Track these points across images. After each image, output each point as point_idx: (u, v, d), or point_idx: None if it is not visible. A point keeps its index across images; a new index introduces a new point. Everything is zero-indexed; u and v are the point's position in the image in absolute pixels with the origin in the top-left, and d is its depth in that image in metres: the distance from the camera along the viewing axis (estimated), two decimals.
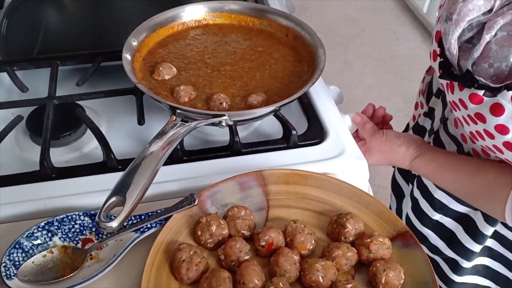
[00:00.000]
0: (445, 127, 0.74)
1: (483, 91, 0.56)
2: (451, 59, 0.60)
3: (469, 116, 0.60)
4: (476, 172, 0.66)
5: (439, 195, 0.77)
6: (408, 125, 0.98)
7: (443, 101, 0.76)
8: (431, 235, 0.81)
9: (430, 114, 0.81)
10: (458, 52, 0.59)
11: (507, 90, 0.54)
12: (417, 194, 0.81)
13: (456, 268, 0.78)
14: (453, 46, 0.58)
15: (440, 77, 0.62)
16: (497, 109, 0.56)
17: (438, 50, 0.63)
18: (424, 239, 0.81)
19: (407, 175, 0.88)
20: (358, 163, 0.71)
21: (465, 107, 0.60)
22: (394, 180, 0.93)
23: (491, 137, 0.58)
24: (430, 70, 0.88)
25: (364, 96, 2.16)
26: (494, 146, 0.60)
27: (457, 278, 0.79)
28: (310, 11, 2.64)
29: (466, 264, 0.77)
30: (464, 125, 0.63)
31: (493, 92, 0.55)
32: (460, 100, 0.60)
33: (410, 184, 0.85)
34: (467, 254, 0.76)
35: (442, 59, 0.62)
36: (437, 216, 0.79)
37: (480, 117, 0.58)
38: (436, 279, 0.54)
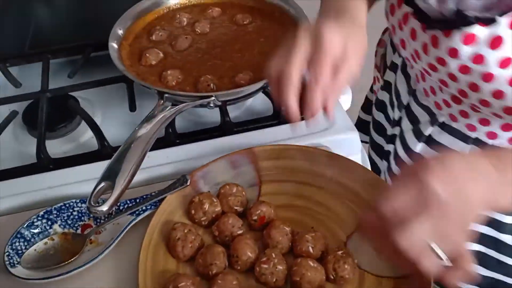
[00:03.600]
0: (416, 99, 0.71)
1: (477, 26, 0.53)
2: (428, 7, 0.56)
3: (459, 67, 0.56)
4: None
5: None
6: (366, 98, 0.96)
7: (404, 73, 0.74)
8: None
9: (386, 87, 0.79)
10: None
11: (501, 16, 0.51)
12: (395, 170, 0.78)
13: None
14: None
15: (427, 28, 0.58)
16: (496, 42, 0.53)
17: (397, 4, 0.62)
18: None
19: (381, 151, 0.85)
20: (349, 134, 0.71)
21: (444, 64, 0.57)
22: (369, 157, 0.89)
23: (490, 79, 0.55)
24: (381, 43, 0.85)
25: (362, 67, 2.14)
26: (493, 92, 0.56)
27: None
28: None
29: None
30: (450, 83, 0.60)
31: (487, 24, 0.52)
32: (439, 59, 0.58)
33: (384, 160, 0.82)
34: None
35: (416, 13, 0.59)
36: None
37: (478, 59, 0.55)
38: None
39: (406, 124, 0.74)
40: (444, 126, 0.69)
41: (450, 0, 0.54)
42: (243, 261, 0.55)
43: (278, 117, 0.73)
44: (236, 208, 0.60)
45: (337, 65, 0.52)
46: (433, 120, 0.69)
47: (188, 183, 0.61)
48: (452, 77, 0.59)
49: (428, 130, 0.70)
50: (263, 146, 0.66)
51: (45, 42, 0.88)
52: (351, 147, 0.71)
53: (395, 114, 0.77)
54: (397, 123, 0.77)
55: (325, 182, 0.63)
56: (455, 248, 0.42)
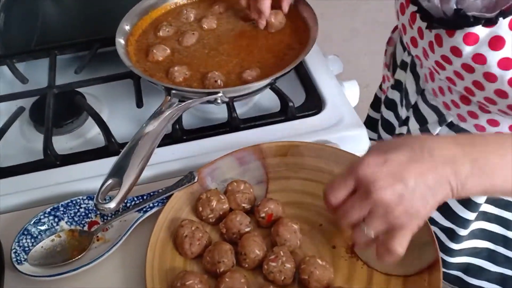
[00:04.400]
0: (424, 98, 0.71)
1: (479, 26, 0.53)
2: (431, 6, 0.57)
3: (463, 65, 0.57)
4: None
5: None
6: (376, 96, 0.96)
7: (413, 72, 0.73)
8: None
9: (397, 86, 0.79)
10: None
11: (503, 18, 0.51)
12: None
13: (453, 236, 0.77)
14: None
15: (428, 27, 0.59)
16: (497, 42, 0.53)
17: (405, 3, 0.62)
18: None
19: None
20: (357, 131, 0.71)
21: (450, 63, 0.58)
22: None
23: (494, 79, 0.55)
24: (390, 41, 0.85)
25: (372, 63, 2.12)
26: (497, 91, 0.56)
27: (456, 246, 0.78)
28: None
29: (463, 232, 0.75)
30: (457, 81, 0.60)
31: (489, 25, 0.52)
32: (444, 57, 0.58)
33: None
34: (463, 222, 0.74)
35: (420, 12, 0.59)
36: None
37: (479, 59, 0.55)
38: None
39: (414, 124, 0.74)
40: (452, 126, 0.68)
41: (452, 0, 0.54)
42: (251, 259, 0.54)
43: (286, 113, 0.72)
44: (243, 205, 0.60)
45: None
46: (441, 120, 0.68)
47: (195, 180, 0.61)
48: (458, 75, 0.59)
49: (436, 130, 0.69)
50: (271, 142, 0.66)
51: (52, 38, 0.88)
52: (359, 144, 0.71)
53: (402, 113, 0.77)
54: (404, 122, 0.76)
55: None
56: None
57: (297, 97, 0.75)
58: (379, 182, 0.44)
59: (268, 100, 0.78)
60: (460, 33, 0.55)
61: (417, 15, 0.60)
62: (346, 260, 0.56)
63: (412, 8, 0.61)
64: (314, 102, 0.74)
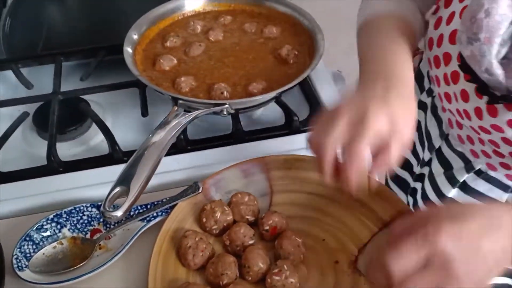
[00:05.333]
0: (449, 143, 0.67)
1: None
2: (492, 80, 0.53)
3: (493, 125, 0.54)
4: None
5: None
6: None
7: (435, 115, 0.70)
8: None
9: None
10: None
11: None
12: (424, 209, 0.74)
13: None
14: (495, 65, 0.51)
15: (489, 102, 0.54)
16: None
17: (443, 58, 0.58)
18: None
19: (404, 185, 0.80)
20: None
21: (502, 131, 0.54)
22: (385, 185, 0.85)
23: None
24: None
25: None
26: None
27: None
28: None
29: None
30: (502, 146, 0.56)
31: None
32: (495, 126, 0.54)
33: (410, 196, 0.79)
34: None
35: (476, 83, 0.55)
36: None
37: None
38: None
39: (437, 168, 0.70)
40: (480, 173, 0.65)
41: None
42: (254, 272, 0.54)
43: (290, 127, 0.72)
44: (247, 217, 0.60)
45: (386, 141, 0.49)
46: (469, 167, 0.65)
47: (200, 190, 0.61)
48: (508, 141, 0.56)
49: (463, 177, 0.66)
50: (276, 155, 0.66)
51: (57, 44, 0.88)
52: None
53: (424, 155, 0.73)
54: (426, 163, 0.73)
55: (337, 194, 0.63)
56: None
57: (301, 111, 0.75)
58: (461, 266, 0.42)
59: (272, 113, 0.78)
60: None
61: (461, 74, 0.56)
62: (349, 276, 0.56)
63: (456, 68, 0.57)
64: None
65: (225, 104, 0.65)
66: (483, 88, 0.54)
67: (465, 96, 0.57)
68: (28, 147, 0.74)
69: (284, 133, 0.73)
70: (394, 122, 0.49)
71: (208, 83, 0.72)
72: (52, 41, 0.90)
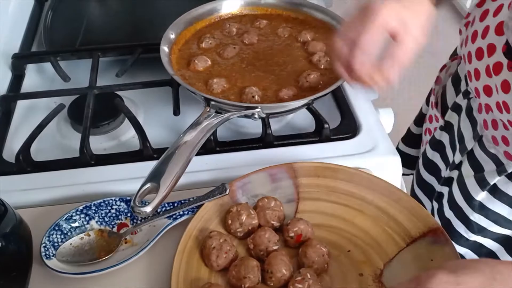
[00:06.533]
0: (481, 145, 0.67)
1: None
2: None
3: None
4: None
5: (476, 218, 0.70)
6: (409, 132, 0.93)
7: (469, 117, 0.70)
8: (468, 254, 0.75)
9: (447, 128, 0.75)
10: None
11: None
12: (449, 214, 0.74)
13: None
14: None
15: None
16: None
17: (487, 49, 0.58)
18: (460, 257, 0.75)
19: (430, 190, 0.81)
20: (391, 158, 0.70)
21: None
22: (412, 194, 0.86)
23: None
24: (438, 80, 0.82)
25: (400, 92, 2.12)
26: None
27: None
28: (349, 3, 2.61)
29: None
30: None
31: None
32: None
33: (435, 201, 0.79)
34: None
35: None
36: (474, 237, 0.72)
37: None
38: None
39: (468, 170, 0.70)
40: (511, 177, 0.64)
41: None
42: (277, 278, 0.54)
43: (320, 134, 0.72)
44: (273, 222, 0.59)
45: (398, 37, 0.53)
46: (501, 170, 0.65)
47: (227, 192, 0.61)
48: None
49: (494, 180, 0.65)
50: (304, 162, 0.66)
51: (96, 39, 0.90)
52: (392, 171, 0.70)
53: (455, 157, 0.73)
54: (456, 166, 0.72)
55: (364, 205, 0.62)
56: None
57: (332, 119, 0.75)
58: None
59: (302, 119, 0.78)
60: None
61: (504, 65, 0.56)
62: None
63: (500, 58, 0.57)
64: (349, 126, 0.74)
65: (257, 107, 0.66)
66: None
67: (506, 86, 0.56)
68: (62, 139, 0.75)
69: (314, 141, 0.72)
70: (405, 22, 0.52)
71: (239, 86, 0.72)
72: (91, 37, 0.92)
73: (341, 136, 0.73)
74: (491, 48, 0.58)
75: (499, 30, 0.57)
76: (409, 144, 0.94)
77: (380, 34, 0.53)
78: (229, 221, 0.59)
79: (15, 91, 0.82)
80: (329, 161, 0.67)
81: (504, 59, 0.56)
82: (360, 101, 0.78)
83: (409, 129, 0.95)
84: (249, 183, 0.64)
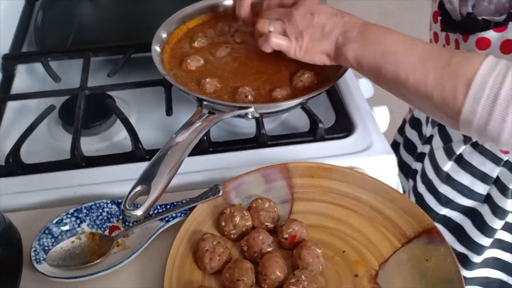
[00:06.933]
0: None
1: (490, 31, 0.54)
2: (452, 9, 0.58)
3: None
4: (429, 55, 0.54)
5: (444, 189, 0.74)
6: (404, 120, 0.95)
7: None
8: (439, 228, 0.78)
9: None
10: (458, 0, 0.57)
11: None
12: (421, 189, 0.78)
13: (466, 263, 0.75)
14: None
15: (443, 30, 0.61)
16: (508, 46, 0.53)
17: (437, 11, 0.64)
18: None
19: (407, 170, 0.84)
20: (386, 158, 0.69)
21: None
22: None
23: None
24: None
25: None
26: None
27: (468, 273, 0.76)
28: (343, 4, 2.60)
29: (476, 259, 0.74)
30: None
31: (498, 28, 0.53)
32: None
33: (410, 179, 0.82)
34: (477, 248, 0.73)
35: (442, 16, 0.61)
36: (444, 211, 0.76)
37: None
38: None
39: (438, 142, 0.73)
40: (476, 146, 0.68)
41: (469, 4, 0.55)
42: (271, 280, 0.53)
43: (315, 134, 0.71)
44: (267, 224, 0.59)
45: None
46: (467, 139, 0.68)
47: (220, 194, 0.60)
48: None
49: (460, 149, 0.68)
50: (298, 162, 0.65)
51: (87, 39, 0.89)
52: (387, 170, 0.69)
53: (427, 130, 0.76)
54: (428, 140, 0.75)
55: (359, 206, 0.62)
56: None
57: (327, 118, 0.74)
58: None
59: (296, 119, 0.77)
60: (473, 37, 0.56)
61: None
62: None
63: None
64: (344, 125, 0.73)
65: (250, 107, 0.65)
66: (446, 20, 0.61)
67: (447, 39, 0.64)
68: (53, 140, 0.74)
69: (308, 140, 0.71)
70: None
71: (232, 86, 0.71)
72: (82, 36, 0.90)
73: (335, 136, 0.72)
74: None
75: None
76: (402, 133, 0.95)
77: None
78: (223, 223, 0.58)
79: (5, 92, 0.81)
80: (323, 161, 0.66)
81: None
82: (355, 100, 0.77)
83: (404, 118, 0.96)
84: (243, 184, 0.63)
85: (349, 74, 0.80)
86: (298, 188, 0.63)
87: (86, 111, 0.73)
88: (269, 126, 0.75)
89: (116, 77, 0.80)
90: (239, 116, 0.66)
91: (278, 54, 0.77)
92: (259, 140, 0.70)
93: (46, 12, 0.94)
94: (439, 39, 0.67)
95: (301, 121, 0.75)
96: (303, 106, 0.71)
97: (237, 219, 0.58)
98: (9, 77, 0.84)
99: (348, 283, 0.55)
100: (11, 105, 0.79)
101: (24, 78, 0.85)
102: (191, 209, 0.59)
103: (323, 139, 0.71)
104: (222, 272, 0.54)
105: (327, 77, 0.71)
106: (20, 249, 0.55)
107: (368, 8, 2.59)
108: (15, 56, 0.87)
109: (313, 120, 0.71)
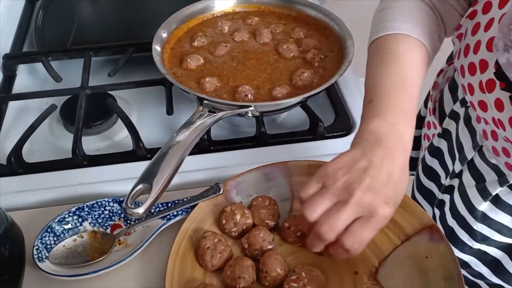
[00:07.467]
0: (482, 155, 0.65)
1: None
2: None
3: None
4: None
5: (479, 227, 0.68)
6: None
7: (467, 126, 0.68)
8: (473, 261, 0.73)
9: (445, 135, 0.73)
10: None
11: None
12: (452, 222, 0.73)
13: None
14: None
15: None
16: None
17: (480, 65, 0.57)
18: (465, 265, 0.73)
19: (430, 196, 0.79)
20: None
21: None
22: (413, 197, 0.84)
23: None
24: (435, 86, 0.80)
25: None
26: None
27: None
28: (343, 1, 2.59)
29: None
30: None
31: None
32: None
33: (436, 208, 0.77)
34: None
35: (511, 92, 0.53)
36: (478, 245, 0.71)
37: None
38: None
39: (469, 179, 0.68)
40: None
41: None
42: (272, 277, 0.53)
43: (315, 132, 0.72)
44: (267, 221, 0.59)
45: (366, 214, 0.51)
46: (502, 180, 0.63)
47: (221, 192, 0.61)
48: None
49: (496, 190, 0.64)
50: (299, 160, 0.65)
51: (88, 39, 0.89)
52: None
53: (455, 166, 0.71)
54: (456, 175, 0.71)
55: None
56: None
57: (326, 117, 0.75)
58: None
59: (296, 117, 0.77)
60: None
61: (496, 83, 0.54)
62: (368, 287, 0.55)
63: (491, 76, 0.55)
64: (343, 124, 0.74)
65: (251, 106, 0.65)
66: None
67: (499, 105, 0.55)
68: (54, 140, 0.75)
69: (308, 138, 0.72)
70: (374, 207, 0.50)
71: (231, 85, 0.72)
72: (82, 36, 0.91)
73: (335, 134, 0.72)
74: (483, 64, 0.57)
75: (490, 46, 0.55)
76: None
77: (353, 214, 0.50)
78: (224, 221, 0.59)
79: (6, 92, 0.81)
80: (323, 159, 0.66)
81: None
82: (355, 99, 0.78)
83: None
84: (243, 182, 0.63)
85: (349, 73, 0.80)
86: (298, 186, 0.64)
87: (87, 110, 0.73)
88: (270, 125, 0.75)
89: (116, 77, 0.81)
90: (239, 115, 0.67)
91: (278, 53, 0.77)
92: (260, 139, 0.71)
93: (46, 12, 0.94)
94: (475, 92, 0.60)
95: (301, 120, 0.76)
96: (303, 105, 0.72)
97: (238, 217, 0.58)
98: (10, 77, 0.84)
99: (348, 280, 0.55)
100: (12, 105, 0.79)
101: (25, 78, 0.86)
102: (192, 207, 0.60)
103: (323, 137, 0.72)
104: (223, 270, 0.55)
105: (326, 76, 0.72)
106: (22, 247, 0.56)
107: (370, 4, 2.57)
108: (16, 56, 0.87)
109: (313, 118, 0.72)
